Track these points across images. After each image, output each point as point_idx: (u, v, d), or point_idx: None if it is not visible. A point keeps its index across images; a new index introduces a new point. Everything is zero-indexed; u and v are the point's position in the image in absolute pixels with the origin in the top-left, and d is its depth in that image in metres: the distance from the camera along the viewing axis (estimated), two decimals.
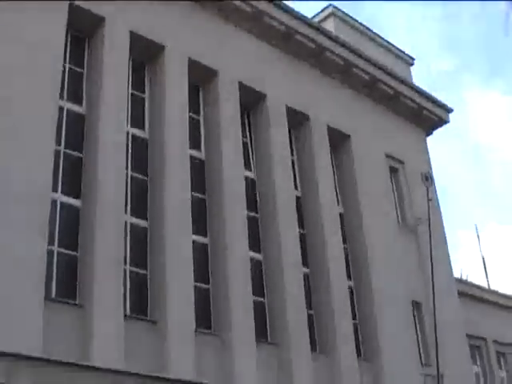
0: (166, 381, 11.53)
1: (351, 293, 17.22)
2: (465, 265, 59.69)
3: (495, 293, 25.47)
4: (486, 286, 26.37)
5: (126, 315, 12.57)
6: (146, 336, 12.76)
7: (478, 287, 24.60)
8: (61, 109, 13.22)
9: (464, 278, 24.60)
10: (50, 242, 12.11)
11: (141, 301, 13.26)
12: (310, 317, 15.84)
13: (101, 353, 11.62)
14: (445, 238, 21.11)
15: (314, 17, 21.01)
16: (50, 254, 12.02)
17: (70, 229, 12.79)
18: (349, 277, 17.36)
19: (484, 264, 30.11)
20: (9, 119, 11.85)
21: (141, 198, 14.07)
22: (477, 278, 29.04)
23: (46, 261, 11.63)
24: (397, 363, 16.91)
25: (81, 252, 12.61)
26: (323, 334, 15.96)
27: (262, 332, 14.83)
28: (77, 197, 13.04)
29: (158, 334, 12.83)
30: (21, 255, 11.13)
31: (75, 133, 13.52)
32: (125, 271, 12.99)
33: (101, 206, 12.69)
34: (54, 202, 12.47)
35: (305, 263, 16.41)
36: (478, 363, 23.17)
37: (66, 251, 12.56)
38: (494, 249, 62.19)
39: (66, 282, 12.41)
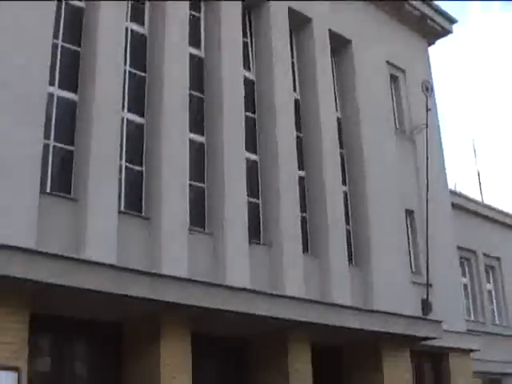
0: (158, 276, 11.76)
1: (345, 198, 17.43)
2: (460, 179, 60.23)
3: (488, 207, 25.80)
4: (480, 200, 26.68)
5: (120, 211, 12.77)
6: (139, 232, 13.00)
7: (472, 200, 24.90)
8: (59, 2, 13.04)
9: (458, 191, 24.83)
10: (46, 137, 12.14)
11: (136, 197, 13.43)
12: (303, 220, 16.11)
13: (94, 247, 11.85)
14: (441, 148, 21.25)
15: None
16: (45, 148, 12.06)
17: (66, 123, 12.80)
18: (344, 182, 17.56)
19: (479, 178, 30.39)
20: (7, 14, 11.68)
21: (138, 95, 14.04)
22: (471, 193, 29.42)
23: (41, 154, 11.69)
24: (387, 270, 17.31)
25: (77, 147, 12.67)
26: (315, 238, 16.28)
27: (255, 233, 15.12)
28: (74, 91, 13.00)
29: (152, 230, 13.06)
30: (16, 149, 11.17)
31: (74, 26, 13.37)
32: (120, 167, 13.11)
33: (98, 101, 12.69)
34: (50, 96, 12.44)
35: (301, 167, 16.56)
36: (467, 275, 23.69)
37: (62, 146, 12.60)
38: (490, 165, 62.59)
39: (62, 177, 12.52)
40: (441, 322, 17.14)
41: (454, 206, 22.08)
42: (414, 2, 20.91)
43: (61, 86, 12.82)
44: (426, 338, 16.88)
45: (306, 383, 14.16)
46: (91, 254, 11.56)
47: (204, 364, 13.92)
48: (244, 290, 12.87)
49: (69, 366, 12.26)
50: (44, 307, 11.13)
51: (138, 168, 13.61)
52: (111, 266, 11.19)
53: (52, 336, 12.11)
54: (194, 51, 15.26)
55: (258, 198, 15.54)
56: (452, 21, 22.41)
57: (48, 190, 12.06)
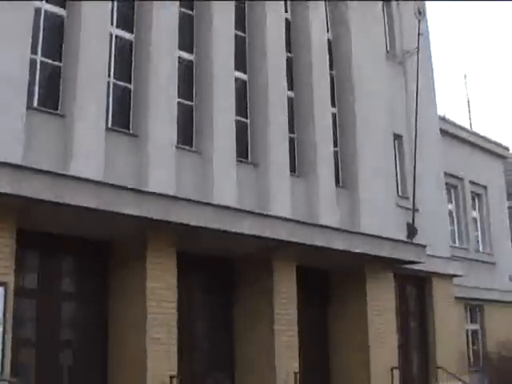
0: (145, 194, 11.83)
1: (334, 120, 17.47)
2: (449, 107, 60.26)
3: (477, 135, 25.90)
4: (469, 128, 26.78)
5: (107, 127, 12.78)
6: (127, 150, 13.05)
7: (461, 128, 24.96)
8: None
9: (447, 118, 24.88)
10: (33, 52, 12.01)
11: (123, 114, 13.42)
12: (291, 141, 16.20)
13: (81, 164, 11.90)
14: (432, 74, 21.29)
15: None
16: (33, 63, 11.94)
17: (54, 39, 12.64)
18: (333, 104, 17.56)
19: (469, 106, 30.49)
20: None
21: (127, 11, 13.86)
22: (460, 121, 29.48)
23: (28, 69, 11.60)
24: (374, 193, 17.51)
25: (64, 62, 12.56)
26: (304, 158, 16.39)
27: (242, 152, 15.21)
28: (62, 6, 12.81)
29: (139, 147, 13.12)
30: (2, 63, 11.08)
31: None
32: (108, 84, 13.05)
33: (86, 16, 12.53)
34: (37, 10, 12.25)
35: (290, 87, 16.55)
36: (453, 202, 23.97)
37: (50, 61, 12.48)
38: (480, 94, 62.50)
39: (49, 92, 12.43)
40: (425, 246, 17.50)
41: (442, 132, 22.23)
42: None
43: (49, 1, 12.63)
44: (410, 262, 17.26)
45: (291, 303, 14.49)
46: (78, 171, 11.60)
47: (189, 281, 14.23)
48: (230, 208, 13.02)
49: (56, 282, 12.46)
50: (31, 223, 11.27)
51: (126, 85, 13.55)
52: (98, 183, 11.28)
53: (40, 252, 12.30)
54: None
55: (246, 118, 15.55)
56: None
57: (35, 105, 11.99)
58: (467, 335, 23.02)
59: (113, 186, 11.40)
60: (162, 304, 12.25)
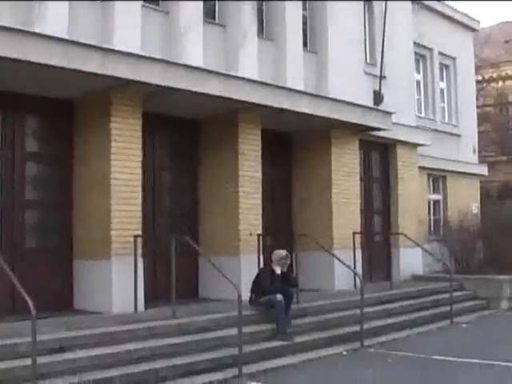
0: (110, 52, 11.65)
1: None
2: None
3: (448, 5, 25.84)
4: None
5: None
6: (91, 7, 12.98)
7: None
8: None
9: None
10: None
11: None
12: (260, 2, 16.22)
13: (45, 21, 11.83)
14: None
15: None
16: None
17: None
18: None
19: None
20: None
21: None
22: None
23: None
24: (342, 58, 17.71)
25: None
26: (271, 20, 16.46)
27: (210, 12, 15.21)
28: None
29: (104, 3, 13.06)
30: None
31: None
32: None
33: None
34: None
35: None
36: (421, 72, 24.21)
37: None
38: None
39: None
40: (391, 113, 17.85)
41: (413, 0, 22.21)
42: None
43: None
44: (376, 129, 17.67)
45: (256, 166, 14.88)
46: (42, 28, 11.55)
47: (155, 142, 14.54)
48: (198, 68, 13.07)
49: (19, 141, 12.57)
50: None
51: None
52: (62, 40, 11.14)
53: (2, 111, 12.30)
54: None
55: None
56: None
57: None
58: (429, 205, 23.84)
59: (78, 43, 11.28)
60: (127, 164, 12.49)
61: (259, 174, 14.98)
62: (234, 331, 10.95)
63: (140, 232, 12.66)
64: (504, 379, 10.27)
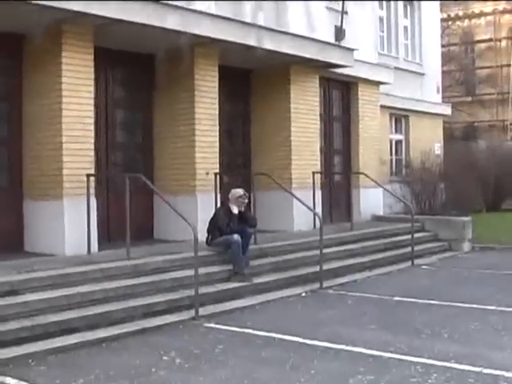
0: None
1: None
2: None
3: None
4: None
5: None
6: None
7: None
8: None
9: None
10: None
11: None
12: None
13: None
14: None
15: None
16: None
17: None
18: None
19: None
20: None
21: None
22: None
23: None
24: None
25: None
26: None
27: None
28: None
29: None
30: None
31: None
32: None
33: None
34: None
35: None
36: (384, 8, 24.05)
37: None
38: None
39: None
40: (353, 50, 17.85)
41: None
42: None
43: None
44: (337, 66, 17.69)
45: (212, 103, 14.81)
46: None
47: (108, 77, 14.43)
48: (154, 1, 12.84)
49: None
50: None
51: None
52: None
53: None
54: None
55: None
56: None
57: None
58: (391, 145, 24.05)
59: None
60: (79, 100, 12.34)
61: (216, 112, 14.93)
62: (190, 272, 11.04)
63: (93, 171, 12.60)
64: (457, 318, 10.57)
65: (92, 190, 12.48)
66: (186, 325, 10.15)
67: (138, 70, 14.95)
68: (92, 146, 12.67)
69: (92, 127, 12.70)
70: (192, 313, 10.49)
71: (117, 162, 14.68)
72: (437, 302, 11.71)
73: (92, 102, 12.68)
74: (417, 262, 16.26)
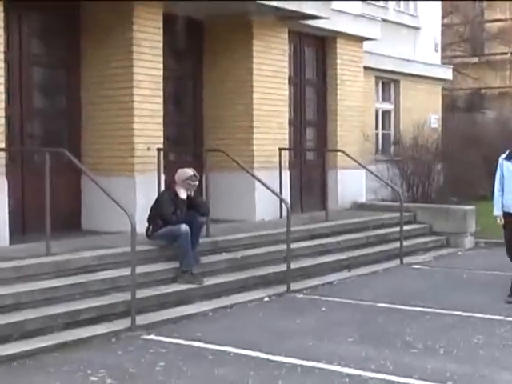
0: None
1: None
2: None
3: None
4: None
5: None
6: None
7: None
8: None
9: None
10: None
11: None
12: None
13: None
14: None
15: None
16: None
17: None
18: None
19: None
20: None
21: None
22: None
23: None
24: None
25: None
26: None
27: None
28: None
29: None
30: None
31: None
32: None
33: None
34: None
35: None
36: None
37: None
38: None
39: None
40: None
41: None
42: None
43: None
44: (311, 17, 17.64)
45: (155, 59, 14.74)
46: None
47: (23, 27, 14.27)
48: None
49: None
50: None
51: None
52: None
53: None
54: None
55: None
56: None
57: None
58: (377, 116, 24.19)
59: None
60: None
61: (160, 73, 14.88)
62: (126, 271, 10.98)
63: (3, 144, 12.51)
64: (455, 329, 10.62)
65: (2, 169, 12.38)
66: (119, 337, 10.10)
67: (60, 19, 14.83)
68: (2, 114, 12.54)
69: (2, 89, 12.56)
70: (128, 322, 10.43)
71: (34, 134, 14.55)
72: (431, 310, 11.79)
73: (1, 57, 12.54)
74: (407, 260, 16.38)
